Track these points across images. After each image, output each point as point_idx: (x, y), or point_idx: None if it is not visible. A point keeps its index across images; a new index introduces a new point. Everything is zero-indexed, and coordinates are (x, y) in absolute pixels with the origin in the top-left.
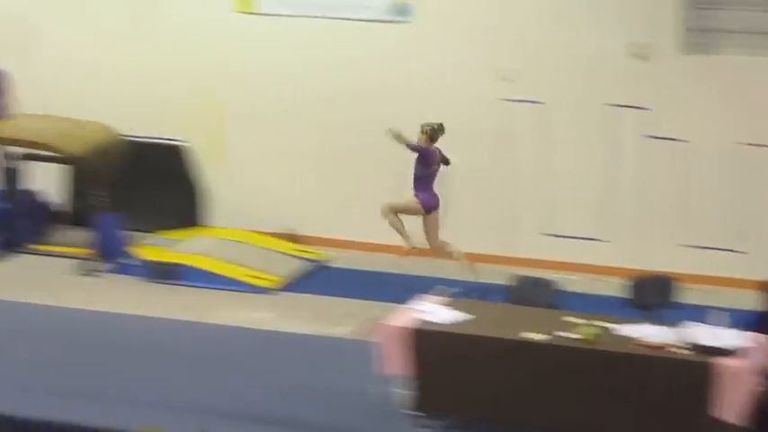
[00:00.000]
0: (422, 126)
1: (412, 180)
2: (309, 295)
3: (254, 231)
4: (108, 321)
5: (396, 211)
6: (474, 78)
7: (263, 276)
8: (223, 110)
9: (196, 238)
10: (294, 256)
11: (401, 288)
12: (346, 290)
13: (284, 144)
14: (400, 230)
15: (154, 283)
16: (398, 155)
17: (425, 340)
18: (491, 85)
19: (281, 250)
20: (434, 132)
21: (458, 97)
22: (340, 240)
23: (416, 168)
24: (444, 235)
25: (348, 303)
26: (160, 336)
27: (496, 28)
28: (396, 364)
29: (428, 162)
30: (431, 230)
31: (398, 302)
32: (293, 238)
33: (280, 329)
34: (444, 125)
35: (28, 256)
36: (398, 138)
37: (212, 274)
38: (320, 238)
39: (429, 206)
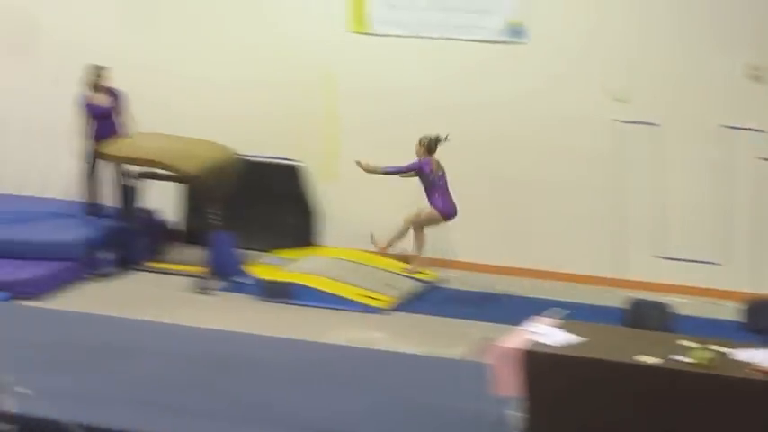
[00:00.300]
0: (420, 139)
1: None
2: (422, 316)
3: (366, 251)
4: (222, 339)
5: (417, 225)
6: (588, 99)
7: (376, 296)
8: (336, 129)
9: (309, 257)
10: (407, 277)
11: (514, 309)
12: (459, 310)
13: (395, 163)
14: (398, 236)
15: (267, 302)
16: (513, 178)
17: (538, 362)
18: (605, 107)
19: (394, 270)
20: (431, 144)
21: (572, 118)
22: (452, 261)
23: (421, 181)
24: (558, 256)
25: (460, 324)
26: (273, 354)
27: (611, 49)
28: (508, 386)
29: (423, 173)
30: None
31: (511, 324)
32: (406, 258)
33: (393, 350)
34: (441, 137)
35: (143, 273)
36: (370, 170)
37: (325, 293)
38: (433, 258)
39: (448, 213)
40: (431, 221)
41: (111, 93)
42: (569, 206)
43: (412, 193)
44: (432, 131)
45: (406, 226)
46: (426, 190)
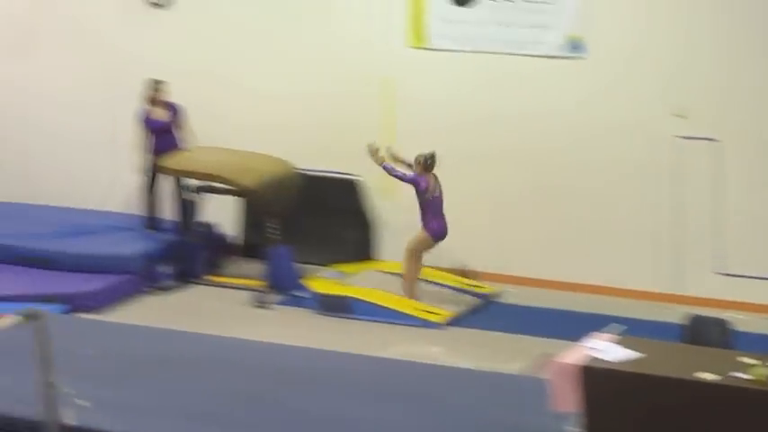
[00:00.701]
0: (416, 157)
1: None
2: (479, 331)
3: (423, 265)
4: (279, 352)
5: (413, 254)
6: (648, 115)
7: (434, 311)
8: (394, 143)
9: (367, 271)
10: (465, 291)
11: (572, 325)
12: (516, 326)
13: (454, 179)
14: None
15: (324, 316)
16: (572, 192)
17: (596, 378)
18: (664, 121)
19: (452, 285)
20: (427, 161)
21: (631, 132)
22: (509, 276)
23: (417, 198)
24: (616, 272)
25: (518, 339)
26: (331, 368)
27: (670, 64)
28: (567, 402)
29: (419, 189)
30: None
31: (569, 339)
32: (464, 272)
33: (451, 365)
34: (435, 155)
35: (202, 287)
36: (374, 155)
37: (382, 307)
38: (490, 273)
39: (440, 235)
40: (423, 245)
41: (170, 107)
42: (628, 221)
43: (467, 207)
44: (489, 149)
45: (409, 253)
46: (421, 207)
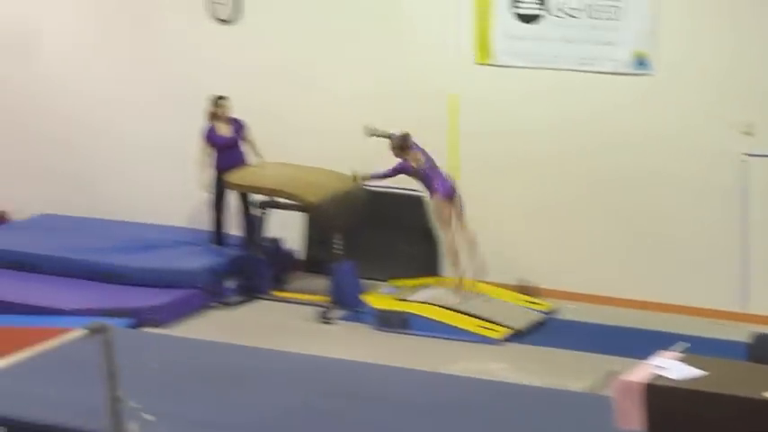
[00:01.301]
0: (391, 143)
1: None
2: (539, 347)
3: (483, 281)
4: (341, 368)
5: (441, 224)
6: (714, 132)
7: (493, 327)
8: (456, 160)
9: (427, 287)
10: (524, 308)
11: (635, 342)
12: (579, 343)
13: (516, 194)
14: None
15: (384, 332)
16: (636, 209)
17: (660, 396)
18: (731, 138)
19: (511, 301)
20: (401, 142)
21: (698, 150)
22: (570, 293)
23: (415, 180)
24: (681, 289)
25: (581, 357)
26: (392, 384)
27: (736, 81)
28: (632, 420)
29: (408, 173)
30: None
31: (633, 357)
32: (523, 288)
33: (513, 381)
34: (408, 134)
35: (267, 302)
36: (358, 178)
37: (441, 323)
38: (550, 289)
39: (448, 191)
40: (442, 211)
41: (234, 122)
42: (693, 238)
43: (529, 223)
44: (553, 165)
45: (450, 250)
46: (420, 181)
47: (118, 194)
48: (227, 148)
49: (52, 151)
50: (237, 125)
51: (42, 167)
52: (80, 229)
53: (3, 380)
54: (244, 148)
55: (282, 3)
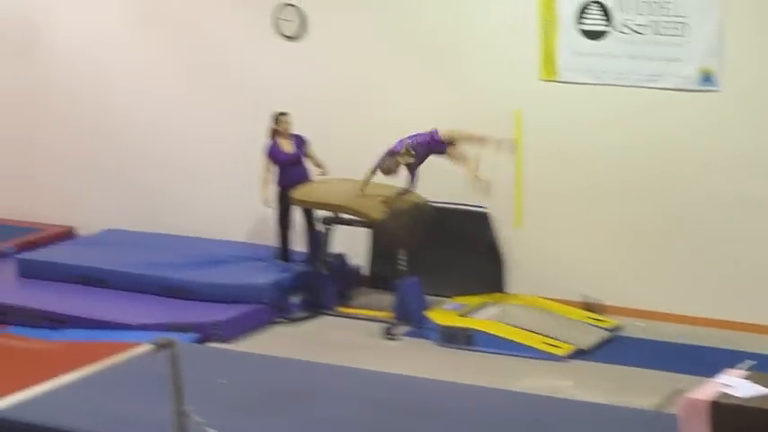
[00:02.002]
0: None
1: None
2: (605, 364)
3: (546, 298)
4: (406, 384)
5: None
6: None
7: (557, 344)
8: (521, 175)
9: (491, 303)
10: (588, 325)
11: (701, 360)
12: (644, 360)
13: (580, 211)
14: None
15: (448, 348)
16: (701, 226)
17: (725, 414)
18: None
19: (575, 318)
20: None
21: (762, 168)
22: (636, 310)
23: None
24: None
25: (647, 374)
26: (457, 400)
27: None
28: None
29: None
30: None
31: (696, 374)
32: (588, 305)
33: (579, 398)
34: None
35: (331, 317)
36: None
37: (505, 340)
38: (615, 306)
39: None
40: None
41: (296, 138)
42: (759, 256)
43: (593, 240)
44: (618, 182)
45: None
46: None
47: (183, 210)
48: (289, 165)
49: (119, 168)
50: (300, 141)
51: (109, 184)
52: (146, 245)
53: (71, 394)
54: (306, 164)
55: (347, 20)
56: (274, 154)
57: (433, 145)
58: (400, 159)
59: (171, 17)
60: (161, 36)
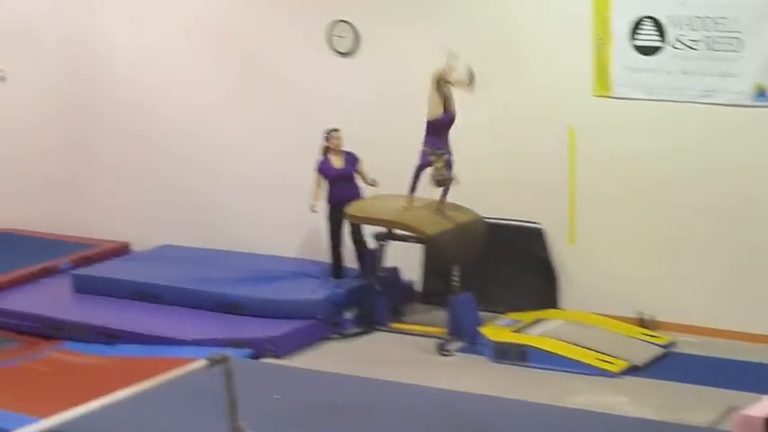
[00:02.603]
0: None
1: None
2: (658, 381)
3: (599, 314)
4: (459, 400)
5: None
6: None
7: (610, 360)
8: (574, 191)
9: (544, 319)
10: (641, 341)
11: (756, 377)
12: (698, 377)
13: (633, 226)
14: None
15: (501, 364)
16: (753, 241)
17: None
18: None
19: (628, 334)
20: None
21: None
22: (688, 326)
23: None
24: None
25: (701, 391)
26: (512, 416)
27: None
28: None
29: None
30: None
31: (751, 391)
32: (641, 321)
33: (633, 415)
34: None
35: (384, 333)
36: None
37: (558, 356)
38: (667, 322)
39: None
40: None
41: (347, 155)
42: None
43: (645, 255)
44: (672, 197)
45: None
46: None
47: (237, 225)
48: (340, 181)
49: (174, 184)
50: (351, 158)
51: (164, 199)
52: (200, 260)
53: (125, 409)
54: (357, 180)
55: (398, 36)
56: (325, 169)
57: (437, 124)
58: (438, 164)
59: (227, 33)
60: (217, 51)
